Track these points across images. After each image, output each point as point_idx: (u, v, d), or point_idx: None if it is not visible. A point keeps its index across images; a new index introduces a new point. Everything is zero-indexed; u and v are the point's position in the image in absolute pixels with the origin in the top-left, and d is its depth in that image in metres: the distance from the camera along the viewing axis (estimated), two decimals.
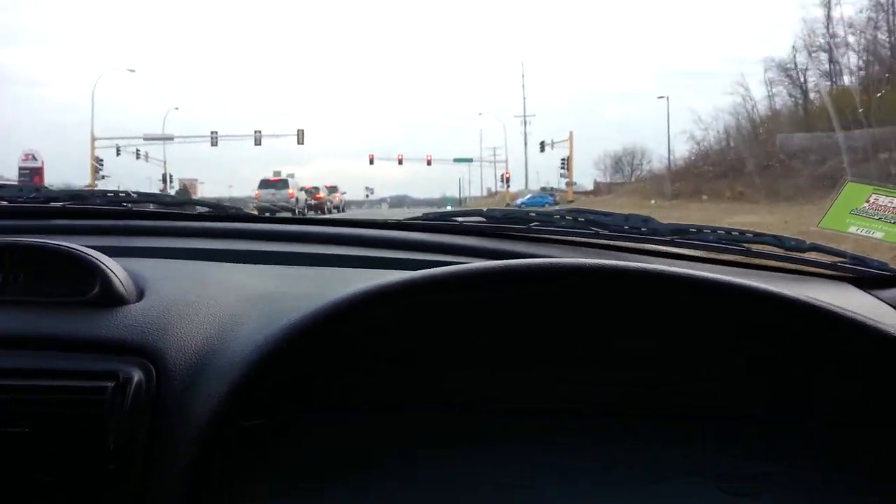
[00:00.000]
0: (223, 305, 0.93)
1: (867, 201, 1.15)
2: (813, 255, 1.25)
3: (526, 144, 54.61)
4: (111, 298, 0.89)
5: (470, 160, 57.23)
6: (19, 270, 0.91)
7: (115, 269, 0.92)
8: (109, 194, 1.44)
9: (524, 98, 56.62)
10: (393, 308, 0.84)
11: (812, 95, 31.65)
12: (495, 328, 0.89)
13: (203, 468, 0.77)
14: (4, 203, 1.40)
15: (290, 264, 1.18)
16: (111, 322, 0.85)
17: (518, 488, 0.83)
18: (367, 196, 58.97)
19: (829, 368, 0.86)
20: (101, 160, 36.93)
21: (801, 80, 32.84)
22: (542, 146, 47.42)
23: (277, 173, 32.85)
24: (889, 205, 1.13)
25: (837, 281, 1.21)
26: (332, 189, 41.20)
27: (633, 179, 54.69)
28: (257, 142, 42.35)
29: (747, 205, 20.16)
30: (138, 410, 0.78)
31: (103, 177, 35.32)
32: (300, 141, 41.23)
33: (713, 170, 30.76)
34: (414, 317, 0.88)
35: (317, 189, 35.17)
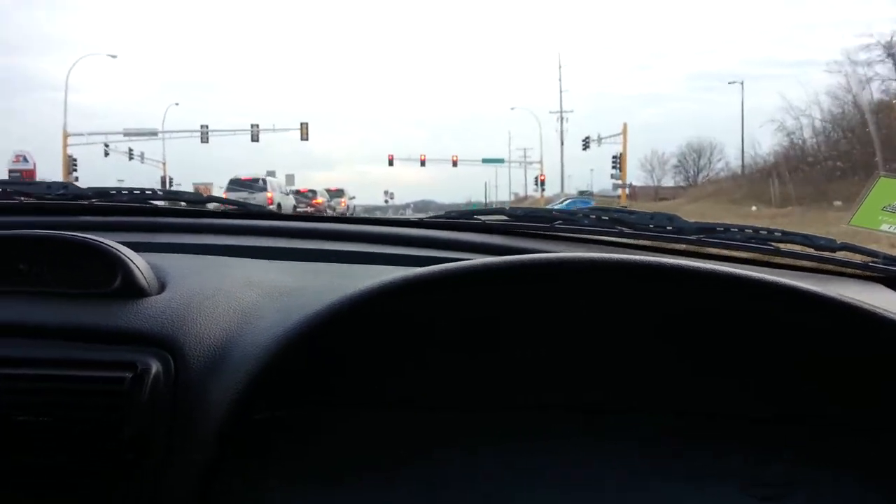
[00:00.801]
0: (243, 299, 0.94)
1: None
2: (844, 255, 1.22)
3: (562, 143, 47.31)
4: (132, 290, 0.89)
5: (501, 161, 51.80)
6: (43, 262, 0.93)
7: (137, 261, 0.93)
8: (136, 192, 1.46)
9: (560, 91, 48.22)
10: (409, 304, 0.84)
11: None
12: (516, 325, 0.88)
13: (218, 459, 0.77)
14: (32, 200, 1.42)
15: (311, 260, 1.18)
16: (131, 313, 0.86)
17: (536, 486, 0.82)
18: (387, 201, 53.34)
19: (861, 369, 0.84)
20: (75, 159, 32.39)
21: None
22: (587, 143, 41.61)
23: (275, 174, 28.66)
24: None
25: (869, 281, 1.18)
26: (338, 193, 33.64)
27: (698, 181, 48.56)
28: (254, 137, 38.08)
29: None
30: (156, 401, 0.78)
31: (76, 178, 27.66)
32: (304, 136, 37.11)
33: (840, 166, 21.01)
34: (432, 313, 0.87)
35: (314, 193, 28.26)
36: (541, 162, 49.13)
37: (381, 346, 0.87)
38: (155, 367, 0.80)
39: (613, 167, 39.37)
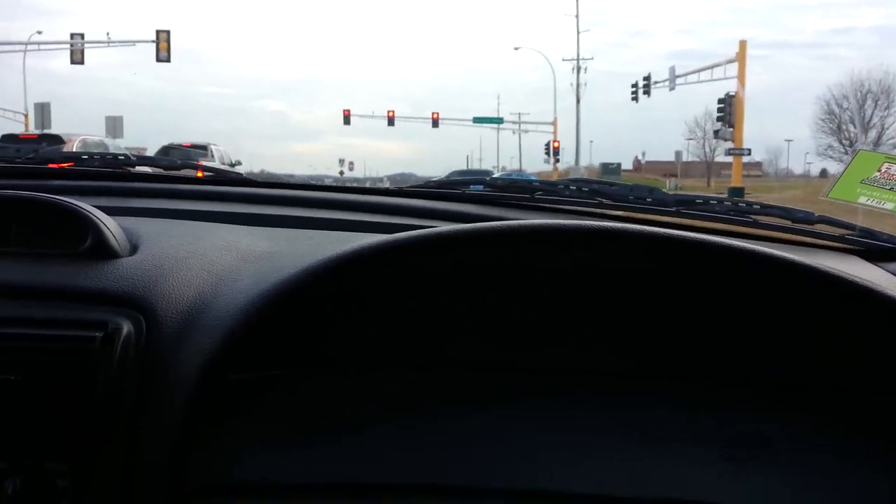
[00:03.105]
0: (217, 262, 0.92)
1: (879, 170, 1.12)
2: (822, 228, 1.23)
3: (578, 101, 35.54)
4: (103, 251, 0.88)
5: (499, 120, 40.67)
6: (11, 223, 0.90)
7: (109, 223, 0.91)
8: (108, 157, 1.43)
9: (578, 31, 36.30)
10: (386, 269, 0.83)
11: None
12: (495, 291, 0.88)
13: (192, 420, 0.76)
14: (2, 164, 1.38)
15: (286, 227, 1.17)
16: (102, 274, 0.84)
17: (511, 448, 0.82)
18: (342, 173, 40.58)
19: (833, 335, 0.85)
20: None
21: None
22: (640, 90, 29.94)
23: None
24: None
25: (845, 253, 1.20)
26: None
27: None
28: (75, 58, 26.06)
29: None
30: (127, 361, 0.77)
31: None
32: (161, 57, 25.40)
33: None
34: (410, 278, 0.86)
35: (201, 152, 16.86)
36: (553, 122, 37.10)
37: (361, 310, 0.87)
38: (126, 327, 0.78)
39: (720, 120, 24.78)
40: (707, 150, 44.76)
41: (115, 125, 23.91)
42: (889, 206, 1.12)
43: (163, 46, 26.17)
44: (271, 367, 0.84)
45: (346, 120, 35.79)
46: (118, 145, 17.05)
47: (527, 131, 45.72)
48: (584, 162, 35.97)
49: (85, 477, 0.78)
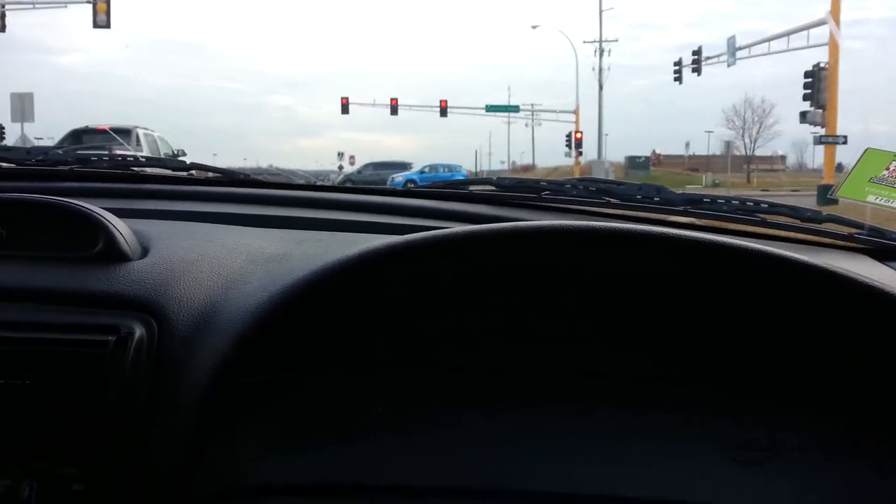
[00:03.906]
0: (227, 265, 0.93)
1: (887, 169, 1.12)
2: (830, 227, 1.23)
3: (601, 87, 32.36)
4: (114, 255, 0.88)
5: (515, 108, 36.88)
6: (23, 226, 0.91)
7: (119, 226, 0.92)
8: (118, 158, 1.44)
9: (601, 10, 33.22)
10: (397, 270, 0.83)
11: None
12: (502, 293, 0.88)
13: (203, 422, 0.76)
14: (12, 165, 1.39)
15: (297, 228, 1.17)
16: (114, 277, 0.85)
17: (518, 450, 0.82)
18: (342, 167, 35.40)
19: (843, 336, 0.84)
20: None
21: None
22: (683, 67, 25.54)
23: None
24: None
25: (854, 252, 1.19)
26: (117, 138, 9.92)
27: None
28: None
29: None
30: (139, 364, 0.78)
31: None
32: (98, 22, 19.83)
33: None
34: (421, 280, 0.87)
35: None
36: (575, 112, 32.95)
37: (370, 312, 0.87)
38: (138, 330, 0.79)
39: (812, 105, 18.33)
40: (747, 141, 41.23)
41: (22, 105, 18.32)
42: None
43: (101, 8, 20.60)
44: (281, 370, 0.84)
45: (345, 109, 32.45)
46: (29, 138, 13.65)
47: (540, 123, 43.02)
48: (596, 155, 32.59)
49: (97, 480, 0.78)
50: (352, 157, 37.17)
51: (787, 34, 21.76)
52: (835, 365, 0.85)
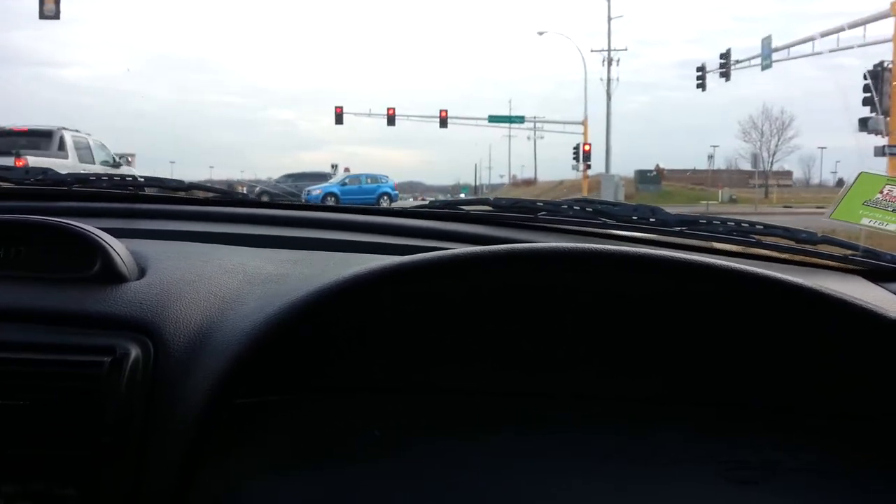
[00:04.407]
0: (224, 285, 0.93)
1: (881, 192, 1.13)
2: (825, 248, 1.24)
3: (609, 98, 30.30)
4: (112, 275, 0.89)
5: (520, 119, 33.99)
6: (21, 247, 0.91)
7: (117, 246, 0.92)
8: (116, 178, 1.44)
9: (609, 17, 30.80)
10: (392, 291, 0.84)
11: None
12: (499, 316, 0.88)
13: (198, 443, 0.76)
14: (10, 185, 1.40)
15: (293, 248, 1.18)
16: (111, 298, 0.85)
17: (516, 473, 0.82)
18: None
19: (839, 358, 0.85)
20: None
21: None
22: (705, 74, 23.61)
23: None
24: None
25: (849, 274, 1.20)
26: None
27: None
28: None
29: None
30: (135, 385, 0.78)
31: None
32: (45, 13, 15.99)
33: None
34: (418, 301, 0.87)
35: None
36: (584, 123, 30.66)
37: (366, 333, 0.87)
38: (134, 351, 0.79)
39: (874, 111, 15.79)
40: (766, 154, 37.87)
41: None
42: (892, 227, 1.12)
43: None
44: (276, 392, 0.84)
45: (339, 119, 30.50)
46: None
47: (542, 136, 41.16)
48: (603, 169, 30.15)
49: (92, 500, 0.78)
50: (347, 170, 34.74)
51: (837, 31, 19.32)
52: (829, 386, 0.86)
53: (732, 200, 31.71)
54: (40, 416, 0.77)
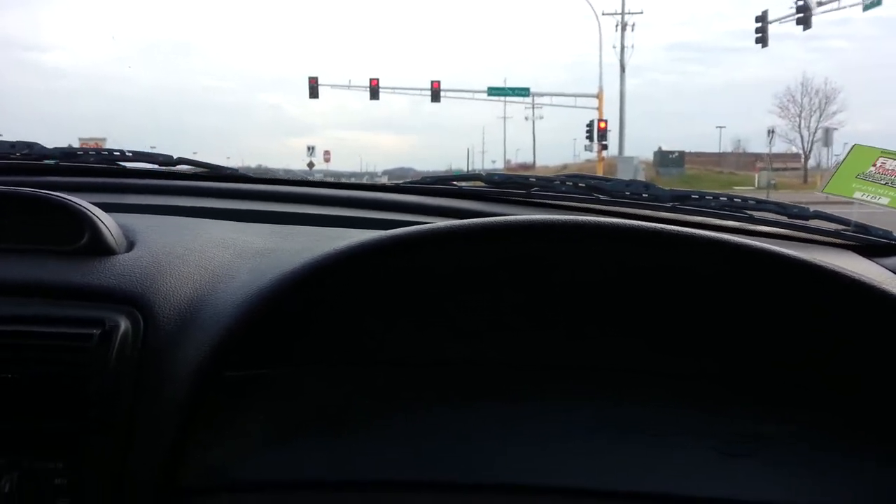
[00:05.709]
0: (214, 259, 0.92)
1: (874, 165, 1.12)
2: (816, 223, 1.24)
3: (623, 70, 26.98)
4: (100, 248, 0.87)
5: (525, 92, 29.11)
6: (7, 219, 0.90)
7: (105, 219, 0.91)
8: (103, 153, 1.42)
9: None
10: (382, 264, 0.83)
11: None
12: (490, 288, 0.88)
13: (187, 416, 0.76)
14: None
15: (282, 223, 1.17)
16: (99, 271, 0.84)
17: (507, 442, 0.82)
18: (312, 164, 29.46)
19: (830, 331, 0.85)
20: None
21: None
22: (757, 37, 20.87)
23: None
24: None
25: (840, 248, 1.20)
26: None
27: None
28: None
29: None
30: (124, 358, 0.77)
31: None
32: None
33: None
34: (408, 274, 0.86)
35: None
36: (599, 96, 26.50)
37: (356, 306, 0.87)
38: (123, 324, 0.78)
39: None
40: (805, 132, 34.00)
41: None
42: (884, 200, 1.12)
43: None
44: (268, 365, 0.84)
45: (313, 91, 26.36)
46: None
47: (541, 117, 38.55)
48: (616, 151, 26.31)
49: (81, 474, 0.77)
50: (326, 153, 32.37)
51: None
52: (821, 358, 0.86)
53: (772, 186, 26.03)
54: (28, 389, 0.76)
